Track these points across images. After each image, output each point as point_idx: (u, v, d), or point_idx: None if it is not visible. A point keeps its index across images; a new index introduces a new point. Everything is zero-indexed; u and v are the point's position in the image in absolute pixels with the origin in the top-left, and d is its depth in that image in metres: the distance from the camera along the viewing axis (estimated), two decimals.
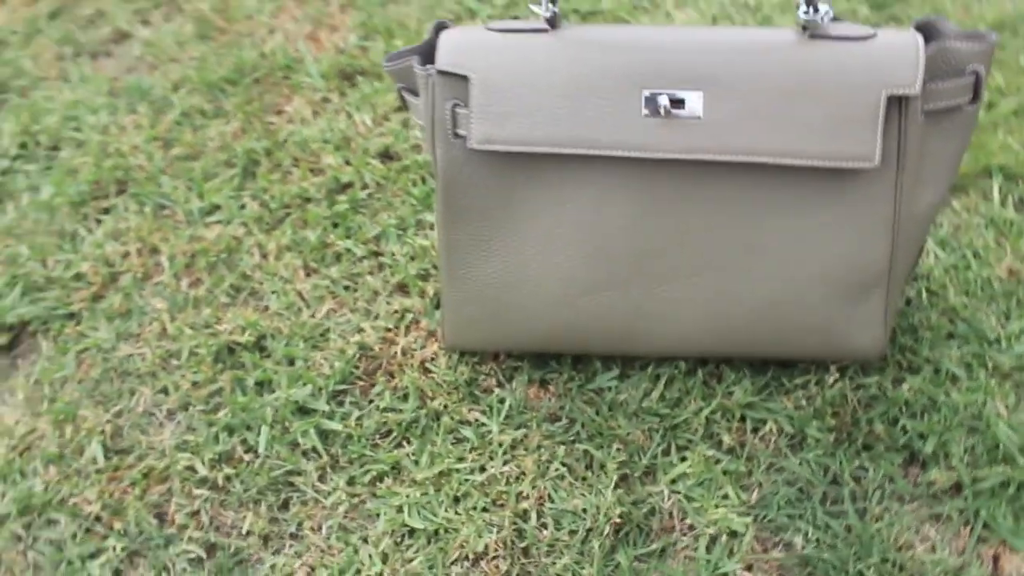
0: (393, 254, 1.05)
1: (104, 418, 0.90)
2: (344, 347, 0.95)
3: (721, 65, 0.73)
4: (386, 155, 1.21)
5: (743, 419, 0.85)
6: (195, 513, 0.82)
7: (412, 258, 1.04)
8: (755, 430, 0.84)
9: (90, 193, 1.19)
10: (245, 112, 1.32)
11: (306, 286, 1.03)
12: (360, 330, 0.97)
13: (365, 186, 1.16)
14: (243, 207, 1.15)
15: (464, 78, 0.77)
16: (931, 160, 0.78)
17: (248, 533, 0.81)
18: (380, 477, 0.83)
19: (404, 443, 0.86)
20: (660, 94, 0.74)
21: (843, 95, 0.72)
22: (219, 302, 1.02)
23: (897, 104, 0.74)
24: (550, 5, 0.77)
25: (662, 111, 0.73)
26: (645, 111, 0.74)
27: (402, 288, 1.01)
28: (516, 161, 0.78)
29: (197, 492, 0.84)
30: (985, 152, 1.13)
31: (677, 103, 0.74)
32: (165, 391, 0.93)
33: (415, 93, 0.82)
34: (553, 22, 0.78)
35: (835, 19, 0.77)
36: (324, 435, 0.87)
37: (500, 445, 0.84)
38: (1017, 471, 0.80)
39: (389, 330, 0.96)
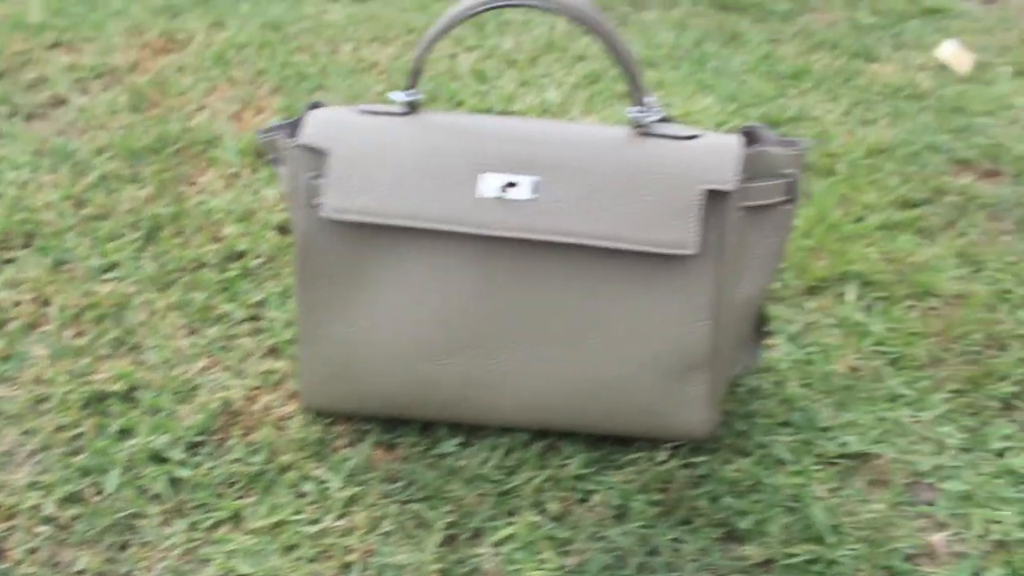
0: (272, 320, 1.10)
1: None
2: (208, 402, 0.98)
3: (555, 154, 0.80)
4: (284, 229, 1.27)
5: (573, 489, 0.89)
6: (34, 550, 0.84)
7: (288, 324, 1.09)
8: (583, 500, 0.88)
9: None
10: (160, 180, 1.38)
11: (185, 344, 1.07)
12: (227, 387, 1.01)
13: (259, 256, 1.21)
14: (140, 267, 1.19)
15: (323, 152, 0.83)
16: (750, 253, 0.84)
17: (82, 571, 0.83)
18: (219, 524, 0.86)
19: (248, 494, 0.89)
20: (496, 176, 0.80)
21: (665, 187, 0.79)
22: (99, 353, 1.06)
23: (716, 198, 0.80)
24: (410, 91, 0.85)
25: (497, 193, 0.80)
26: (482, 192, 0.80)
27: (274, 351, 1.06)
28: (367, 231, 0.84)
29: (39, 529, 0.86)
30: (845, 259, 1.21)
31: (512, 186, 0.80)
32: (30, 433, 0.96)
33: (283, 163, 0.88)
34: (412, 107, 0.85)
35: (665, 120, 0.84)
36: (174, 482, 0.90)
37: (337, 501, 0.87)
38: (825, 549, 0.84)
39: (255, 389, 1.00)
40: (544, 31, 1.88)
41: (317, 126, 0.83)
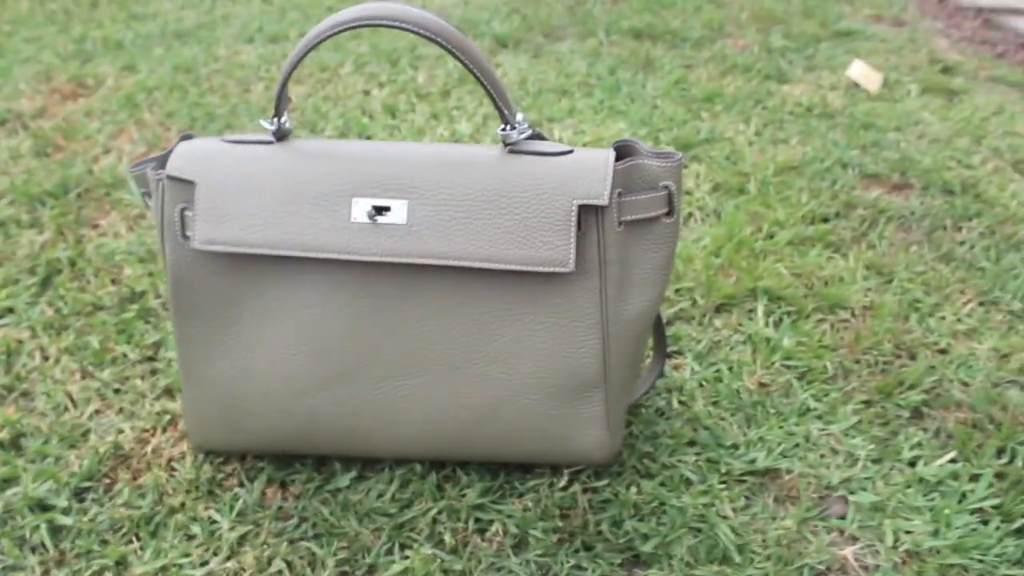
0: (168, 361, 1.07)
1: None
2: (98, 446, 0.95)
3: (426, 176, 0.78)
4: None
5: (471, 520, 0.86)
6: None
7: None
8: (481, 531, 0.86)
9: None
10: (59, 224, 1.34)
11: (76, 388, 1.03)
12: (120, 431, 0.97)
13: (159, 296, 1.18)
14: (34, 313, 1.16)
15: (191, 183, 0.81)
16: (636, 268, 0.83)
17: None
18: (102, 572, 0.82)
19: (134, 539, 0.85)
20: (367, 201, 0.78)
21: (538, 204, 0.77)
22: None
23: (592, 214, 0.79)
24: (276, 120, 0.83)
25: (368, 217, 0.78)
26: (353, 217, 0.78)
27: (169, 392, 1.02)
28: (239, 262, 0.82)
29: None
30: (753, 276, 1.20)
31: (383, 210, 0.78)
32: None
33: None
34: (280, 135, 0.83)
35: (537, 136, 0.83)
36: (57, 530, 0.86)
37: (226, 542, 0.84)
38: (732, 570, 0.82)
39: (146, 431, 0.97)
40: (458, 64, 1.88)
41: (184, 157, 0.81)
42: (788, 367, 1.07)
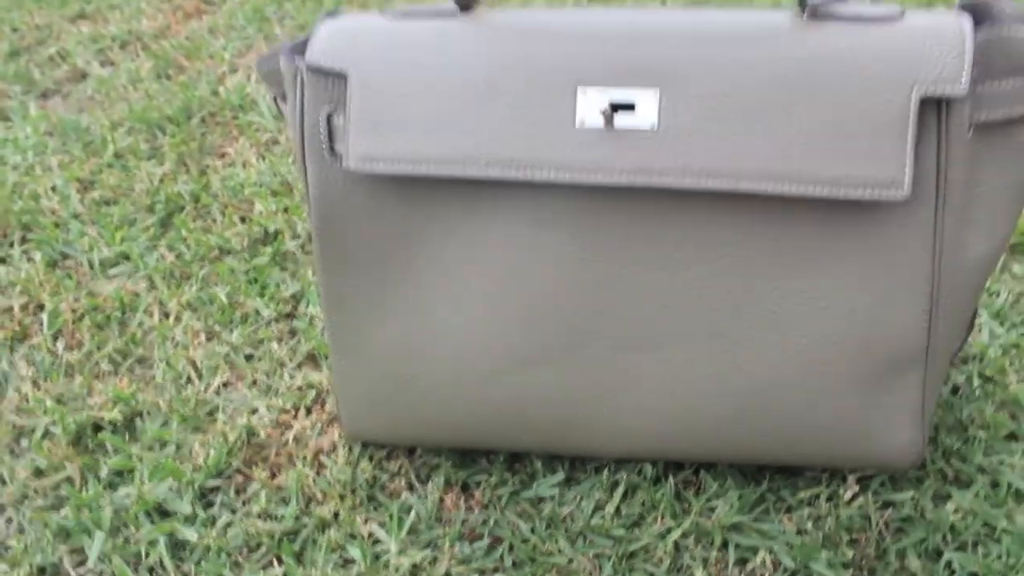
0: (311, 318, 0.86)
1: None
2: (227, 431, 0.74)
3: (685, 57, 0.53)
4: None
5: (726, 545, 0.63)
6: None
7: None
8: (742, 561, 0.62)
9: None
10: (180, 153, 1.15)
11: (200, 353, 0.83)
12: (253, 410, 0.77)
13: (296, 236, 0.97)
14: (156, 259, 0.96)
15: (343, 76, 0.58)
16: (985, 194, 0.56)
17: None
18: None
19: (275, 562, 0.65)
20: (600, 95, 0.54)
21: (856, 95, 0.52)
22: (98, 369, 0.84)
23: (934, 111, 0.53)
24: None
25: (603, 118, 0.53)
26: (579, 119, 0.54)
27: (312, 359, 0.82)
28: (413, 188, 0.59)
29: None
30: None
31: (623, 108, 0.54)
32: (2, 480, 0.74)
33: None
34: (466, 3, 0.59)
35: None
36: (179, 546, 0.67)
37: (396, 570, 0.62)
38: None
39: (286, 411, 0.76)
40: None
41: (330, 40, 0.58)
42: None
